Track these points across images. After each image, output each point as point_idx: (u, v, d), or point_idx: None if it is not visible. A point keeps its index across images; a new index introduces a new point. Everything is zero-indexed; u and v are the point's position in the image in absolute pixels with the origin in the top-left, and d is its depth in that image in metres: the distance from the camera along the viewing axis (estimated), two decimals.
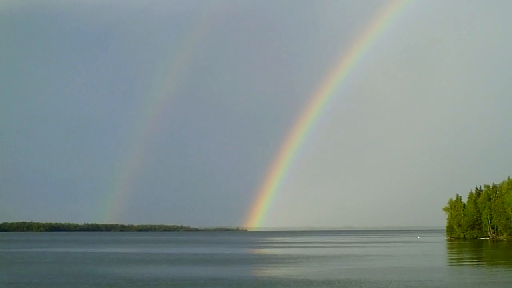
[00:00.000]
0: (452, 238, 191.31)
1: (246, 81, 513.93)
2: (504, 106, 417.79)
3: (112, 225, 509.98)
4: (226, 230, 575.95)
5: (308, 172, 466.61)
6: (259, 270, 62.49)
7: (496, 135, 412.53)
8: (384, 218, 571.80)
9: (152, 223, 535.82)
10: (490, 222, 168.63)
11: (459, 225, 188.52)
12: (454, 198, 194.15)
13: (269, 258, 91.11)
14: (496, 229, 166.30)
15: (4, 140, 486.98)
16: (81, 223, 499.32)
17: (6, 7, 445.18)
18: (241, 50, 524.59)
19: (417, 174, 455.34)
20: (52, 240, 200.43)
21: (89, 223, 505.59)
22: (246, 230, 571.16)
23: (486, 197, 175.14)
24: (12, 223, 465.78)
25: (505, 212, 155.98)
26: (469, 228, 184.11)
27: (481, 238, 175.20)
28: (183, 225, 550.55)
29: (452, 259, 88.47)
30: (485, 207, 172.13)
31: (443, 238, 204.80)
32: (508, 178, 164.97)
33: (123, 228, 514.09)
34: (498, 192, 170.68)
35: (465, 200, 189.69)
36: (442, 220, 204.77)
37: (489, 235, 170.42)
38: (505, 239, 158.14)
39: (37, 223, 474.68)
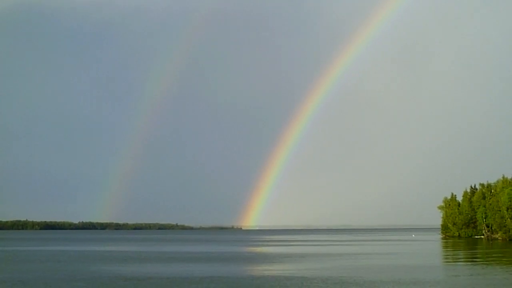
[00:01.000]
0: (447, 237, 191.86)
1: (241, 80, 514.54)
2: (499, 106, 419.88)
3: (107, 223, 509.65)
4: (221, 228, 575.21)
5: (303, 171, 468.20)
6: (254, 268, 62.45)
7: (490, 134, 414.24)
8: (380, 217, 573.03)
9: (147, 222, 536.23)
10: (485, 221, 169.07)
11: (454, 224, 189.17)
12: (449, 197, 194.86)
13: (264, 256, 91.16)
14: (491, 228, 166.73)
15: None
16: (76, 221, 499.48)
17: (2, 5, 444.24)
18: (237, 49, 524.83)
19: (412, 172, 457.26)
20: (47, 239, 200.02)
21: (84, 221, 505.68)
22: (241, 229, 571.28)
23: (481, 196, 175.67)
24: (7, 221, 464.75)
25: (499, 210, 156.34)
26: (463, 226, 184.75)
27: (476, 237, 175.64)
28: (178, 224, 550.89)
29: (446, 257, 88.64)
30: (479, 205, 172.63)
31: (438, 236, 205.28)
32: (503, 177, 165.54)
33: (118, 227, 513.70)
34: (492, 190, 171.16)
35: (460, 198, 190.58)
36: (437, 219, 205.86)
37: (484, 233, 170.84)
38: (499, 238, 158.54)
39: (32, 222, 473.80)
